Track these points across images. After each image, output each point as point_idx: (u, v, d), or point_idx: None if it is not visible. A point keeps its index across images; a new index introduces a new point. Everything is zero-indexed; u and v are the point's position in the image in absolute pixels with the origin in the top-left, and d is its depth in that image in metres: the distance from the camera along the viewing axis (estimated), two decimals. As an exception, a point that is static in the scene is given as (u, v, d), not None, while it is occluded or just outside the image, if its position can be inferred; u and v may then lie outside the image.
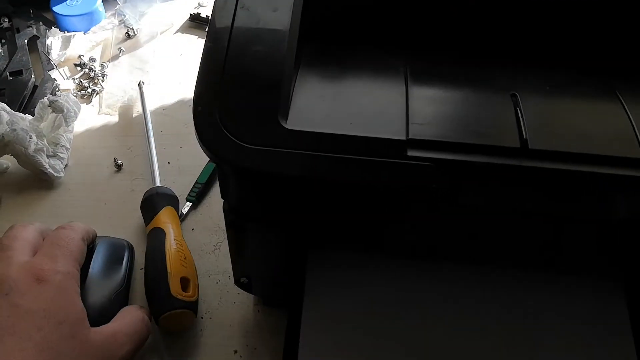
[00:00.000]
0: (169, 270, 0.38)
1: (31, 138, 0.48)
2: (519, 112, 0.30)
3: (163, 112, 0.55)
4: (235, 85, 0.30)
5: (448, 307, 0.32)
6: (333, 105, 0.32)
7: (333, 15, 0.35)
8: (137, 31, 0.62)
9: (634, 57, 0.33)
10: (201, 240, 0.46)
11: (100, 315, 0.35)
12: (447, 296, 0.33)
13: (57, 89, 0.56)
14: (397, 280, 0.34)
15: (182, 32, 0.63)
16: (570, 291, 0.33)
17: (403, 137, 0.29)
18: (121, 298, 0.39)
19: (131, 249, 0.44)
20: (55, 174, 0.49)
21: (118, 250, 0.42)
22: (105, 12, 0.64)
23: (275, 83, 0.30)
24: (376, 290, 0.34)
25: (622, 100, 0.30)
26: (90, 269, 0.38)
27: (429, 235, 0.33)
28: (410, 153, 0.28)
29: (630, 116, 0.29)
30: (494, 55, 0.34)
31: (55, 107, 0.49)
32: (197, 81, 0.30)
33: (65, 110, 0.49)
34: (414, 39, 0.35)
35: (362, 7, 0.35)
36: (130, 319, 0.36)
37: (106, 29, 0.62)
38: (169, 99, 0.57)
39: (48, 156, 0.49)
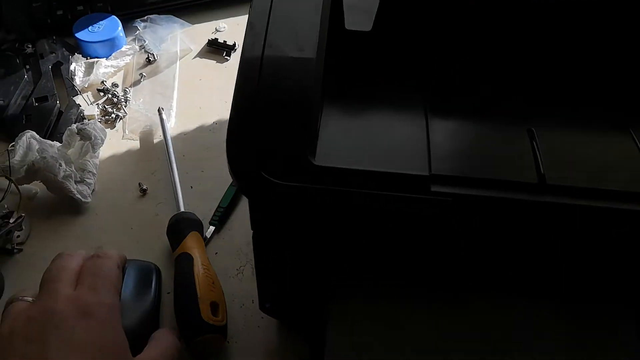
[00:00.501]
0: (199, 295, 0.40)
1: (60, 165, 0.49)
2: (536, 148, 0.31)
3: (184, 137, 0.57)
4: (266, 123, 0.31)
5: (470, 336, 0.34)
6: (357, 140, 0.33)
7: (355, 55, 0.37)
8: (157, 56, 0.64)
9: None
10: (225, 264, 0.48)
11: (133, 339, 0.36)
12: (468, 325, 0.35)
13: (82, 115, 0.58)
14: (419, 311, 0.35)
15: (201, 57, 0.65)
16: (584, 318, 0.34)
17: (426, 173, 0.30)
18: (152, 320, 0.41)
19: (158, 272, 0.45)
20: (83, 199, 0.51)
21: (147, 273, 0.43)
22: (126, 37, 0.66)
23: (303, 121, 0.31)
24: (399, 321, 0.35)
25: (635, 138, 0.31)
26: (122, 293, 0.40)
27: (449, 266, 0.34)
28: (433, 188, 0.30)
29: (643, 153, 0.30)
30: (510, 91, 0.36)
31: (84, 135, 0.51)
32: (229, 119, 0.32)
33: (92, 138, 0.51)
34: (432, 76, 0.36)
35: (382, 50, 0.37)
36: (165, 344, 0.37)
37: (127, 55, 0.64)
38: (190, 123, 0.58)
39: (76, 182, 0.51)
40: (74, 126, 0.52)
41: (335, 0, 0.36)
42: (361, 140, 0.33)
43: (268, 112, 0.32)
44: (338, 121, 0.35)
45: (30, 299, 0.35)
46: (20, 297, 0.35)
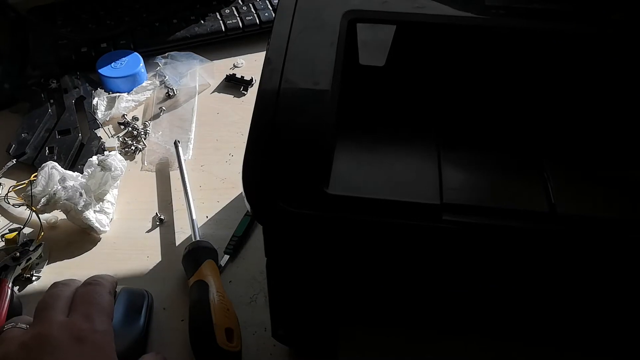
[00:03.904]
0: (214, 322, 0.41)
1: (81, 195, 0.51)
2: (546, 178, 0.32)
3: (201, 168, 0.59)
4: (282, 153, 0.32)
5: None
6: (370, 170, 0.34)
7: (368, 89, 0.38)
8: (176, 91, 0.66)
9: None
10: (238, 292, 0.48)
11: None
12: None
13: (102, 147, 0.60)
14: (427, 341, 0.35)
15: (219, 92, 0.67)
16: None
17: (437, 202, 0.31)
18: (141, 346, 0.43)
19: (150, 298, 0.47)
20: (101, 228, 0.52)
21: (137, 300, 0.45)
22: (147, 73, 0.68)
23: (318, 150, 0.32)
24: (406, 350, 0.35)
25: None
26: (113, 318, 0.40)
27: (460, 305, 0.34)
28: (445, 217, 0.30)
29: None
30: (520, 124, 0.36)
31: (104, 166, 0.52)
32: (246, 148, 0.33)
33: (112, 169, 0.52)
34: (444, 109, 0.37)
35: (395, 83, 0.38)
36: None
37: (148, 90, 0.66)
38: (207, 155, 0.60)
39: (95, 211, 0.52)
40: (94, 158, 0.54)
41: (350, 36, 0.37)
42: (374, 170, 0.34)
43: (284, 142, 0.33)
44: (352, 151, 0.35)
45: (25, 326, 0.36)
46: (14, 325, 0.36)
